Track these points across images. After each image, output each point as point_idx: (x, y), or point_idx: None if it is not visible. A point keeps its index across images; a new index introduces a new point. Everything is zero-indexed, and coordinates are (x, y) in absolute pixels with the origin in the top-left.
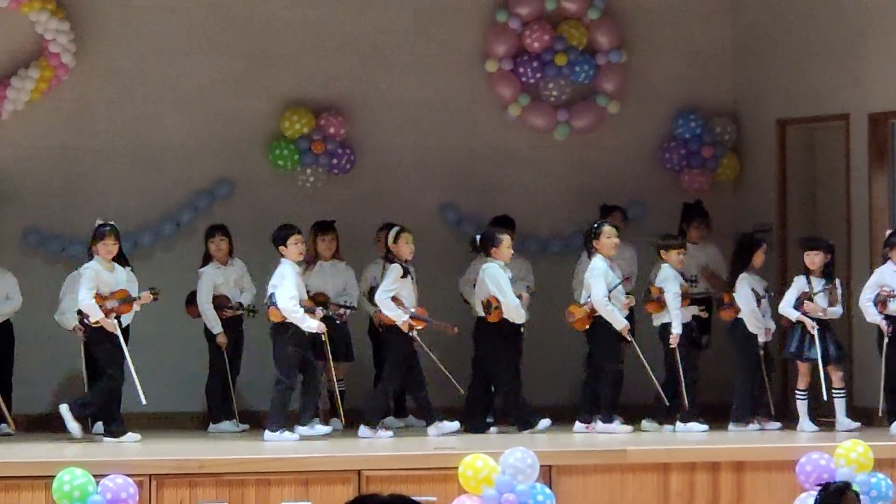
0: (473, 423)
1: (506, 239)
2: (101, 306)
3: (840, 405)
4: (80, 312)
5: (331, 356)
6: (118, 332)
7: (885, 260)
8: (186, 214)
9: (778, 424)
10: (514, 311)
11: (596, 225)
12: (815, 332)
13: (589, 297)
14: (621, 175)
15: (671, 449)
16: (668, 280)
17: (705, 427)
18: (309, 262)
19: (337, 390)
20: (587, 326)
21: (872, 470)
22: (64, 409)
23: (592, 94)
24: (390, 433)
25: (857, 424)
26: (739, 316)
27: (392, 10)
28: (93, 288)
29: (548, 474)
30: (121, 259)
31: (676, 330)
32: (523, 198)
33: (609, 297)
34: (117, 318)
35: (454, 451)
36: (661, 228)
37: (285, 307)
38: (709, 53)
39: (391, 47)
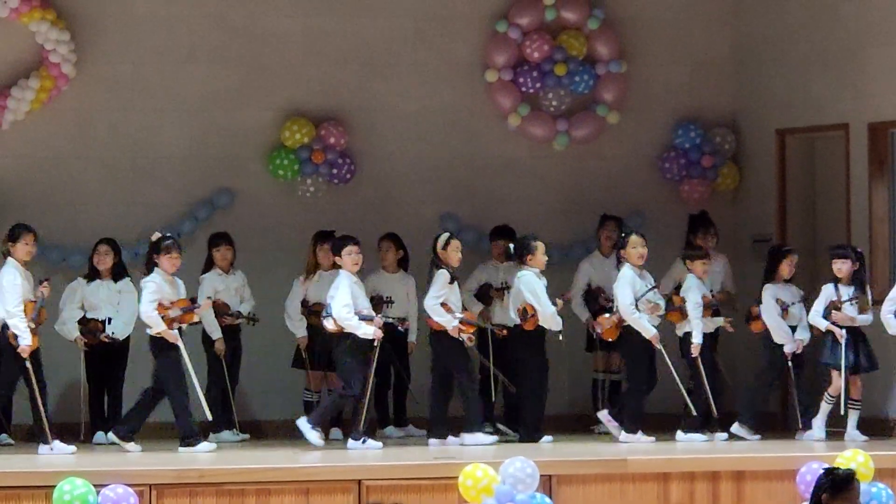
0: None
1: (541, 246)
2: (163, 316)
3: (853, 417)
4: (81, 322)
5: (375, 365)
6: (180, 343)
7: None
8: (187, 224)
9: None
10: (551, 318)
11: (623, 234)
12: (843, 341)
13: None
14: (621, 185)
15: (671, 458)
16: (691, 290)
17: (704, 438)
18: (309, 271)
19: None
20: (615, 337)
21: (873, 479)
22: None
23: (592, 104)
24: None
25: (865, 438)
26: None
27: (392, 20)
28: (155, 300)
29: (548, 484)
30: (119, 270)
31: (697, 339)
32: (523, 207)
33: (637, 306)
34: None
35: (454, 461)
36: (661, 238)
37: (339, 315)
38: (708, 63)
39: (391, 57)
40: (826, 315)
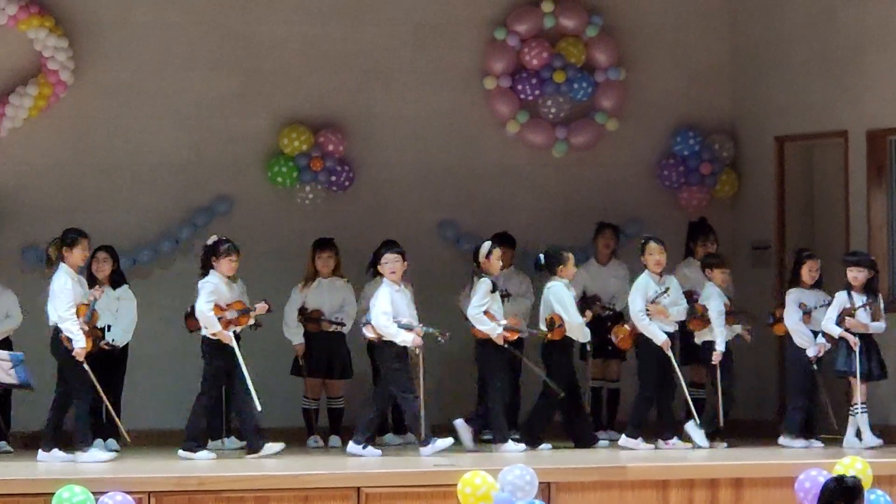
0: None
1: (571, 258)
2: (220, 317)
3: (862, 423)
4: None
5: (421, 373)
6: (234, 345)
7: None
8: (185, 231)
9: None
10: (578, 329)
11: (643, 241)
12: (857, 349)
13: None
14: (619, 192)
15: (670, 466)
16: (712, 298)
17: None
18: (308, 279)
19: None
20: (631, 345)
21: (871, 487)
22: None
23: (591, 112)
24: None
25: (861, 445)
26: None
27: (391, 27)
28: (212, 301)
29: (547, 491)
30: (117, 277)
31: (720, 347)
32: (521, 214)
33: (649, 311)
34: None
35: (453, 468)
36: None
37: (378, 323)
38: (707, 71)
39: (390, 64)
40: (839, 322)
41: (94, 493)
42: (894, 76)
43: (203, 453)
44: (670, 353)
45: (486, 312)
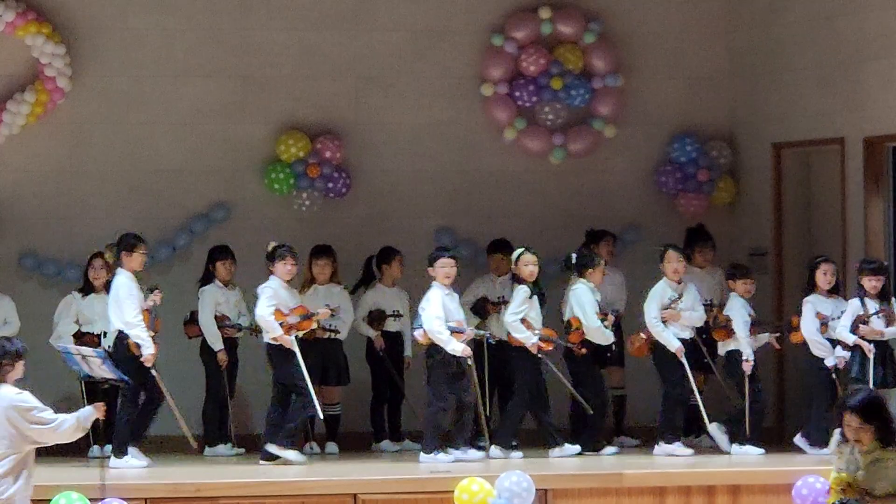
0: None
1: (602, 263)
2: (282, 322)
3: None
4: (76, 336)
5: (476, 380)
6: (296, 349)
7: None
8: (182, 238)
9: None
10: (596, 332)
11: (662, 249)
12: (871, 356)
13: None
14: (617, 199)
15: (667, 472)
16: (735, 308)
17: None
18: (304, 285)
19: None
20: (648, 352)
21: None
22: (272, 447)
23: (588, 118)
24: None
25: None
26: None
27: (388, 34)
28: (272, 305)
29: (543, 498)
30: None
31: (749, 357)
32: (519, 221)
33: (663, 318)
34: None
35: (450, 475)
36: (657, 252)
37: (430, 329)
38: (705, 77)
39: (387, 71)
40: (853, 330)
41: (91, 500)
42: (892, 84)
43: (292, 453)
44: (684, 361)
45: (523, 320)
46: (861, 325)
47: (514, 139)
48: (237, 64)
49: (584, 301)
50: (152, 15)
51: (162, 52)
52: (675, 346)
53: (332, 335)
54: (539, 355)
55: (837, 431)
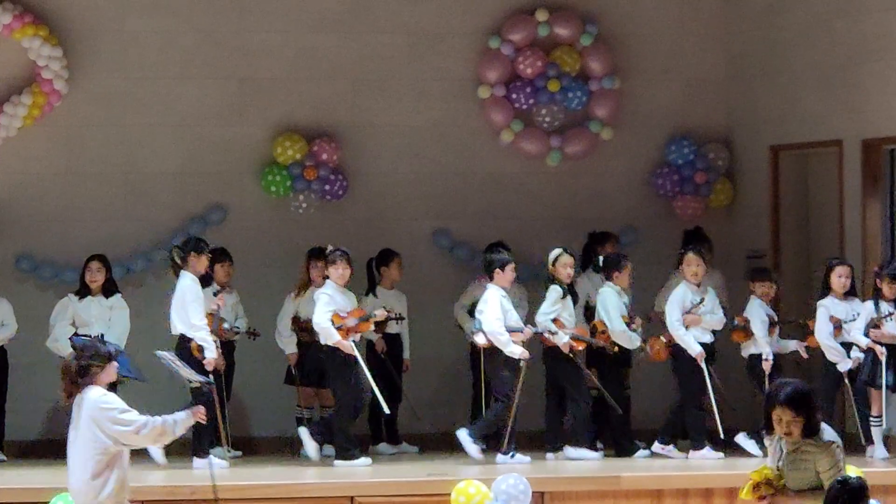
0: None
1: (629, 266)
2: (340, 326)
3: (876, 435)
4: (71, 339)
5: (521, 384)
6: (356, 353)
7: None
8: (179, 240)
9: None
10: (621, 336)
11: (681, 251)
12: (884, 359)
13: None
14: (614, 201)
15: (664, 475)
16: (753, 309)
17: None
18: (301, 288)
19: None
20: (668, 356)
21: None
22: (303, 432)
23: (585, 121)
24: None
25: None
26: None
27: (385, 36)
28: (329, 311)
29: (540, 500)
30: (110, 286)
31: (768, 357)
32: (516, 223)
33: (685, 321)
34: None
35: (447, 478)
36: (654, 255)
37: (492, 330)
38: (702, 79)
39: (384, 73)
40: (866, 332)
41: None
42: (889, 86)
43: (363, 459)
44: (703, 365)
45: (555, 320)
46: (873, 329)
47: (510, 141)
48: (234, 66)
49: (608, 305)
50: (149, 17)
51: (159, 54)
52: (695, 350)
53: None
54: (571, 355)
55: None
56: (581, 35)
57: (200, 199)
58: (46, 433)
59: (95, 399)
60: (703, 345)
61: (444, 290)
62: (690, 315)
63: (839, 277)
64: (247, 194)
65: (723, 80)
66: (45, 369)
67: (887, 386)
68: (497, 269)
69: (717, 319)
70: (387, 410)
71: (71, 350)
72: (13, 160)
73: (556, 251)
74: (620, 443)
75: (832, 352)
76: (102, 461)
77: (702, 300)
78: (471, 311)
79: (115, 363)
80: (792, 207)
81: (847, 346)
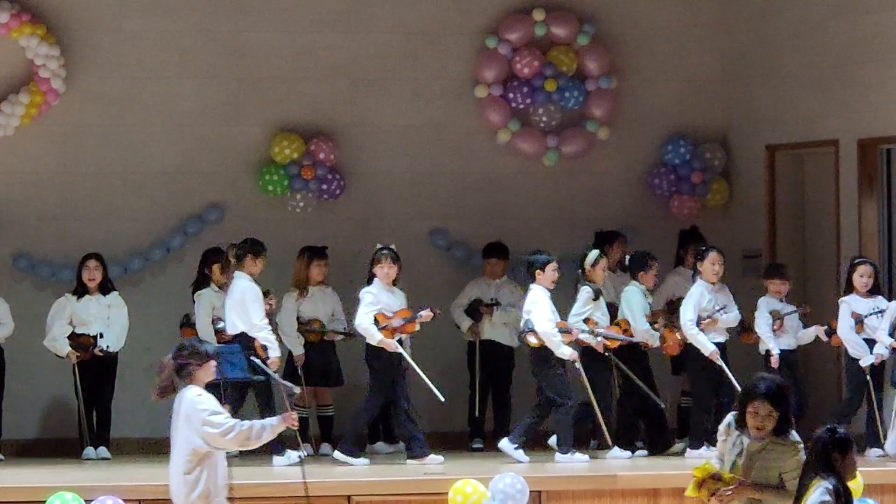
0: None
1: (655, 266)
2: (385, 326)
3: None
4: (70, 337)
5: (589, 385)
6: (402, 350)
7: None
8: (176, 239)
9: (879, 451)
10: (644, 334)
11: (703, 248)
12: None
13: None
14: (611, 201)
15: (661, 474)
16: (760, 306)
17: None
18: (301, 287)
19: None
20: (680, 349)
21: (862, 496)
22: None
23: (582, 120)
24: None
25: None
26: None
27: (382, 36)
28: (371, 311)
29: (538, 500)
30: (106, 284)
31: (775, 351)
32: (513, 223)
33: (699, 322)
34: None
35: (444, 477)
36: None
37: (545, 331)
38: (698, 79)
39: (381, 73)
40: (891, 332)
41: (86, 501)
42: (885, 86)
43: (362, 459)
44: (721, 363)
45: (587, 320)
46: None
47: (507, 141)
48: (231, 65)
49: (633, 303)
50: (146, 16)
51: (156, 53)
52: (709, 349)
53: (347, 338)
54: (606, 354)
55: (731, 415)
56: (578, 35)
57: (198, 199)
58: (43, 432)
59: (191, 398)
60: (717, 344)
61: (440, 289)
62: (708, 320)
63: (861, 277)
64: (244, 193)
65: (719, 80)
66: (43, 368)
67: None
68: (538, 270)
69: (732, 317)
70: (441, 398)
71: (69, 349)
72: (10, 159)
73: (595, 253)
74: (655, 439)
75: (854, 346)
76: (193, 460)
77: (724, 307)
78: (467, 311)
79: (213, 362)
80: (788, 207)
81: (870, 343)
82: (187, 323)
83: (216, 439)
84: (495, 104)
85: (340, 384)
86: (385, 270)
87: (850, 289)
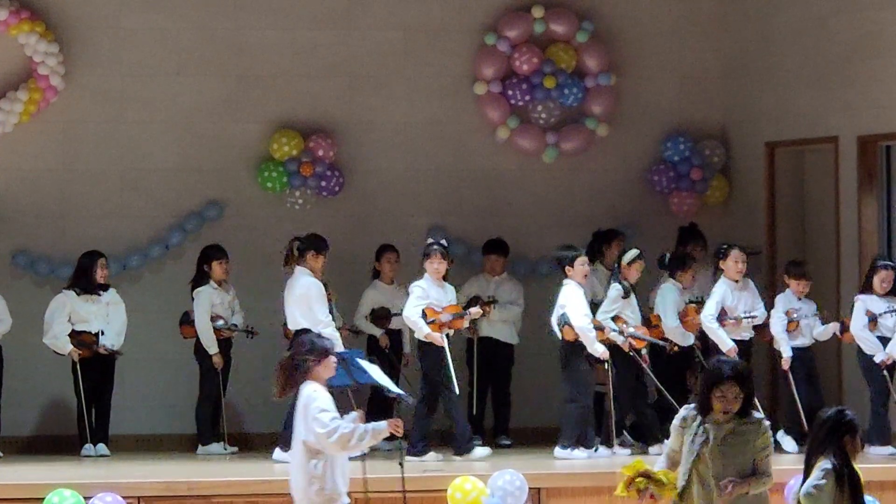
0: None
1: (693, 268)
2: (433, 320)
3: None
4: (71, 335)
5: (610, 380)
6: (446, 346)
7: None
8: (175, 236)
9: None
10: (674, 332)
11: (725, 247)
12: None
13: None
14: (610, 198)
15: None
16: (776, 305)
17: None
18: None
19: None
20: (696, 331)
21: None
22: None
23: (581, 117)
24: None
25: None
26: None
27: (381, 33)
28: (420, 305)
29: (537, 497)
30: (105, 282)
31: (787, 354)
32: (512, 220)
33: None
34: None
35: (443, 474)
36: (650, 251)
37: (581, 326)
38: (698, 76)
39: (380, 69)
40: None
41: (84, 498)
42: (884, 83)
43: (478, 450)
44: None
45: (616, 318)
46: None
47: (506, 138)
48: (230, 63)
49: (667, 300)
50: (145, 14)
51: (155, 50)
52: (728, 345)
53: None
54: (631, 353)
55: (686, 408)
56: (577, 32)
57: (197, 196)
58: (42, 429)
59: (307, 394)
60: (740, 342)
61: None
62: (733, 322)
63: (882, 282)
64: (243, 190)
65: (719, 76)
66: (41, 365)
67: None
68: (567, 266)
69: (758, 315)
70: (457, 391)
71: (71, 347)
72: (9, 156)
73: (634, 252)
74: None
75: (867, 343)
76: (309, 454)
77: (752, 314)
78: (466, 307)
79: (332, 358)
80: (788, 204)
81: (884, 341)
82: (186, 320)
83: (321, 438)
84: (494, 101)
85: None
86: (435, 266)
87: (867, 287)
